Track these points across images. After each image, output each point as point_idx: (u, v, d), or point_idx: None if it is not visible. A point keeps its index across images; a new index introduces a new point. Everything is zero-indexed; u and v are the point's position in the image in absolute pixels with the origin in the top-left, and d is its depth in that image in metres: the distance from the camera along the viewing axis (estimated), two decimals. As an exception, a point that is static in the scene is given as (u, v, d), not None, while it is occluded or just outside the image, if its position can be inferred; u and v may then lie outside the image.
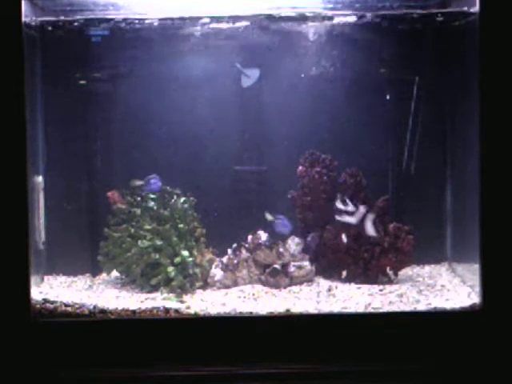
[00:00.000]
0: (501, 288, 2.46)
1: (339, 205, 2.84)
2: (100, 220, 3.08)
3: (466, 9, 2.67)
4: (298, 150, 3.15)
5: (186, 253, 2.93)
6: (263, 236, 3.05)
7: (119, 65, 3.17)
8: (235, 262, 2.98)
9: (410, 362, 2.44)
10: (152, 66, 3.16)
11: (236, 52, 3.17)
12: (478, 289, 2.54)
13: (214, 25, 3.00)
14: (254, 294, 2.81)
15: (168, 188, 3.08)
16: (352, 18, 2.95)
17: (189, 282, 2.89)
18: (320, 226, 3.09)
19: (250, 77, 3.18)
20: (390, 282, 2.98)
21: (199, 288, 2.92)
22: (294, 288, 2.90)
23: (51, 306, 2.56)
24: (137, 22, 2.93)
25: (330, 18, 2.97)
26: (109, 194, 3.04)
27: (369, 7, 2.89)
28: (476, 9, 2.47)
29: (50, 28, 2.89)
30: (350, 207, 2.82)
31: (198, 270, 2.95)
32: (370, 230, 2.81)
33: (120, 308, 2.57)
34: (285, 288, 2.90)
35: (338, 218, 2.94)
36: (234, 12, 2.90)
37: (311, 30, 3.06)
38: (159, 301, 2.73)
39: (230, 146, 3.23)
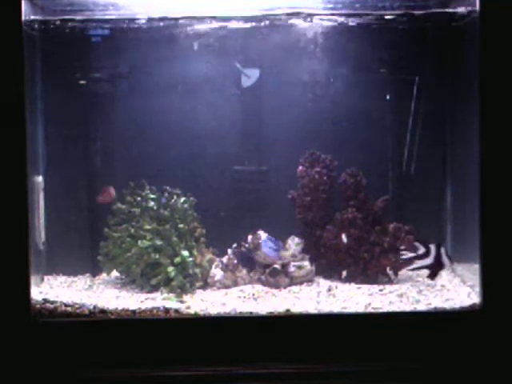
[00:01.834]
0: (501, 288, 2.46)
1: (406, 255, 2.80)
2: (100, 220, 3.08)
3: (465, 9, 2.67)
4: (298, 150, 3.14)
5: (186, 253, 2.94)
6: (263, 236, 3.05)
7: (119, 65, 3.17)
8: (235, 261, 2.98)
9: (410, 361, 2.44)
10: (152, 67, 3.16)
11: (236, 52, 3.17)
12: (478, 289, 2.55)
13: (214, 25, 3.00)
14: (253, 294, 2.81)
15: (168, 188, 3.09)
16: (352, 18, 2.95)
17: (189, 282, 2.89)
18: (320, 225, 3.09)
19: (250, 77, 3.18)
20: (390, 281, 2.98)
21: (199, 288, 2.92)
22: (294, 288, 2.89)
23: (51, 305, 2.56)
24: (137, 22, 2.93)
25: (330, 18, 2.97)
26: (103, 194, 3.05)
27: (369, 7, 2.89)
28: (476, 9, 2.47)
29: (49, 28, 2.89)
30: (421, 250, 2.80)
31: (197, 270, 2.95)
32: (447, 263, 2.78)
33: (120, 308, 2.57)
34: (285, 288, 2.90)
35: (411, 267, 2.78)
36: (234, 12, 2.90)
37: (311, 29, 3.06)
38: (159, 301, 2.73)
39: (230, 146, 3.23)
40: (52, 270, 3.10)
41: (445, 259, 2.71)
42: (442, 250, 2.71)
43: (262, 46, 3.12)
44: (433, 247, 2.71)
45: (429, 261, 2.73)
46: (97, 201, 3.07)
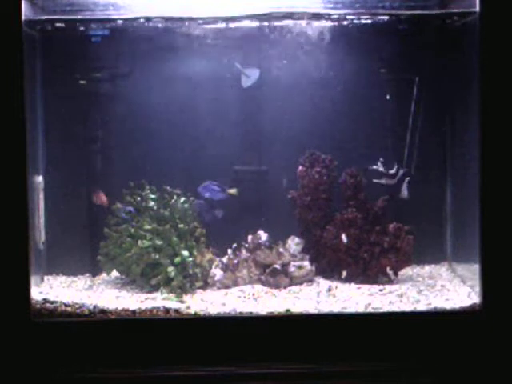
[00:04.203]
0: (501, 288, 2.47)
1: (380, 168, 2.89)
2: (100, 220, 3.08)
3: (465, 9, 2.67)
4: (298, 150, 3.14)
5: (186, 253, 2.94)
6: (263, 236, 3.05)
7: (119, 65, 3.17)
8: (235, 261, 2.98)
9: (410, 362, 2.44)
10: (152, 67, 3.16)
11: (236, 52, 3.17)
12: (478, 289, 2.55)
13: (214, 25, 3.00)
14: (253, 294, 2.81)
15: (168, 188, 3.09)
16: (352, 18, 2.95)
17: (189, 282, 2.89)
18: (320, 226, 3.09)
19: (250, 77, 3.18)
20: (390, 281, 2.98)
21: (199, 288, 2.92)
22: (294, 288, 2.89)
23: (51, 305, 2.56)
24: (137, 21, 2.93)
25: (330, 18, 2.97)
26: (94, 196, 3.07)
27: (368, 7, 2.89)
28: (476, 9, 2.47)
29: (49, 28, 2.89)
30: (392, 170, 2.89)
31: (197, 270, 2.95)
32: (404, 191, 2.86)
33: (120, 308, 2.57)
34: (285, 288, 2.90)
35: (375, 180, 2.99)
36: (234, 12, 2.90)
37: (311, 29, 3.06)
38: (159, 301, 2.73)
39: (230, 146, 3.23)
40: (52, 269, 3.10)
41: (404, 189, 2.79)
42: (406, 180, 2.79)
43: (262, 45, 3.13)
44: (400, 172, 2.79)
45: (392, 182, 2.82)
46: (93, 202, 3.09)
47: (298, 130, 3.21)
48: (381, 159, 3.00)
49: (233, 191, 3.04)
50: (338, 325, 2.48)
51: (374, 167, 2.97)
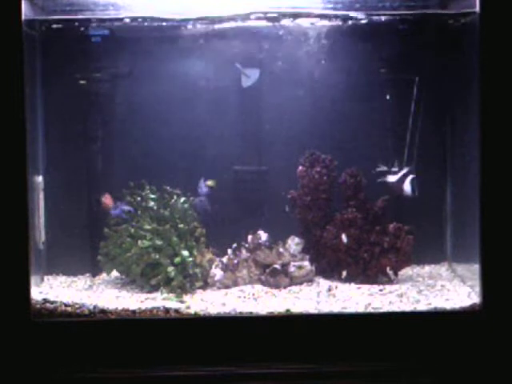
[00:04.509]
0: (501, 288, 2.46)
1: (382, 167, 2.95)
2: (100, 220, 3.08)
3: (465, 9, 2.67)
4: (298, 149, 3.14)
5: (186, 253, 2.93)
6: (263, 236, 3.05)
7: (119, 65, 3.17)
8: (235, 261, 2.98)
9: (410, 362, 2.44)
10: (152, 67, 3.16)
11: (236, 52, 3.17)
12: (478, 289, 2.55)
13: (215, 24, 3.00)
14: (253, 294, 2.81)
15: (168, 188, 3.09)
16: (351, 18, 2.95)
17: (189, 282, 2.89)
18: (320, 226, 3.09)
19: (250, 77, 3.18)
20: (390, 281, 2.98)
21: (199, 288, 2.92)
22: (294, 288, 2.89)
23: (51, 305, 2.56)
24: (136, 21, 2.93)
25: (330, 18, 2.98)
26: (103, 199, 3.07)
27: (368, 7, 2.89)
28: (476, 9, 2.47)
29: (49, 28, 2.89)
30: (395, 168, 2.90)
31: (198, 270, 2.95)
32: (407, 188, 2.86)
33: (120, 308, 2.57)
34: (285, 288, 2.90)
35: (379, 180, 3.03)
36: (234, 11, 2.90)
37: (311, 29, 3.06)
38: (159, 301, 2.73)
39: (230, 146, 3.23)
40: (52, 269, 3.10)
41: (406, 186, 2.79)
42: (409, 177, 2.79)
43: (262, 45, 3.13)
44: (404, 171, 2.80)
45: (393, 179, 2.82)
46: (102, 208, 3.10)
47: (298, 129, 3.21)
48: (380, 164, 3.01)
49: (210, 183, 3.04)
50: (338, 325, 2.48)
51: (381, 169, 2.98)
